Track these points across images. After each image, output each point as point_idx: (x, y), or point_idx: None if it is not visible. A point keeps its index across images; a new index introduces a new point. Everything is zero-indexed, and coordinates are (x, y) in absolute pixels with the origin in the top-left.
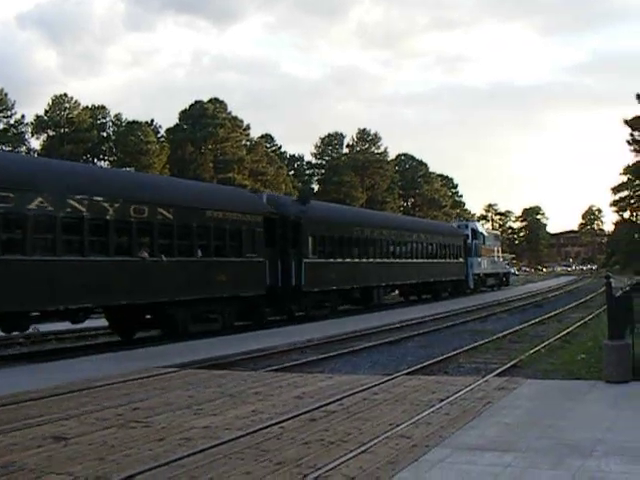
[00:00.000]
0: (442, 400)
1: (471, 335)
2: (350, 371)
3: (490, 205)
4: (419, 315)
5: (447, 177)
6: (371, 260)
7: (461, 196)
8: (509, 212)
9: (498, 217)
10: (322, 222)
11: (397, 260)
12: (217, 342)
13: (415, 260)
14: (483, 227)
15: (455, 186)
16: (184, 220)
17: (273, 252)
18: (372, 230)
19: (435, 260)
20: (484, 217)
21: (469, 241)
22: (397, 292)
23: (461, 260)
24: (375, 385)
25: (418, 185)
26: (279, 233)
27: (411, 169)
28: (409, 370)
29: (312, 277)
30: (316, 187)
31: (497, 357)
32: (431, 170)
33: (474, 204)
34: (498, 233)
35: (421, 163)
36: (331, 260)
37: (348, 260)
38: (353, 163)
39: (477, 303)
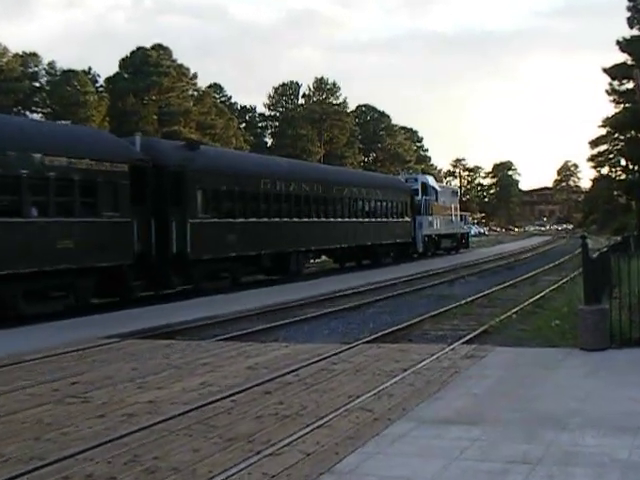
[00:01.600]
0: (405, 370)
1: (437, 300)
2: (305, 340)
3: (458, 160)
4: (347, 286)
5: (411, 130)
6: (286, 220)
7: (426, 150)
8: (478, 168)
9: (467, 173)
10: (217, 173)
11: (323, 220)
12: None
13: (347, 220)
14: (441, 182)
15: (420, 140)
16: (6, 168)
17: (144, 211)
18: (288, 183)
19: (374, 220)
20: (451, 173)
21: (418, 197)
22: (325, 258)
23: (407, 219)
24: (334, 354)
25: (380, 139)
26: (153, 187)
27: (372, 121)
28: (370, 338)
29: (202, 241)
30: (269, 141)
31: (465, 323)
32: (394, 122)
33: (441, 159)
34: (455, 188)
35: (383, 115)
36: (229, 220)
37: (254, 220)
38: (310, 115)
39: (424, 270)
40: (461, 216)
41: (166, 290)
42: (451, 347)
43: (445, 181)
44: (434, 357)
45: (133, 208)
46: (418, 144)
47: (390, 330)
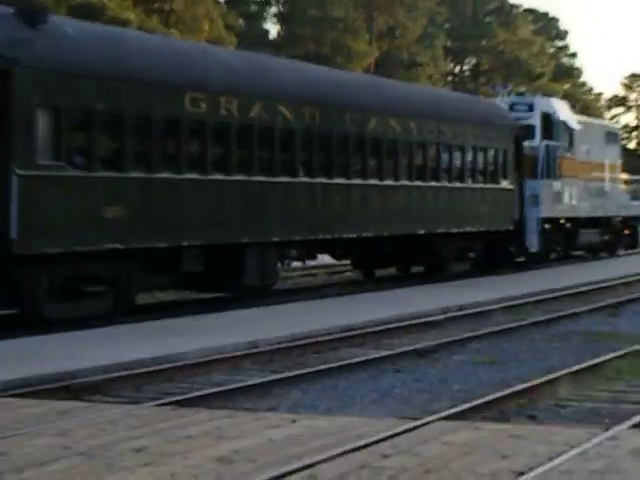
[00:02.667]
0: (521, 475)
1: (584, 344)
2: (329, 410)
3: (635, 76)
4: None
5: (546, 16)
6: (237, 178)
7: (574, 56)
8: None
9: None
10: (83, 75)
11: (319, 181)
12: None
13: (372, 182)
14: (599, 117)
15: (563, 36)
16: None
17: None
18: (240, 103)
19: (432, 184)
20: (621, 101)
21: (533, 143)
22: (327, 258)
23: (507, 186)
24: (384, 439)
25: (486, 30)
26: None
27: None
28: (453, 410)
29: (45, 218)
30: (274, 29)
31: (635, 388)
32: (514, 1)
33: (601, 75)
34: (614, 128)
35: None
36: (111, 175)
37: (165, 176)
38: None
39: (545, 288)
40: (628, 183)
41: None
42: (610, 433)
43: (609, 116)
44: (576, 451)
45: None
46: (559, 43)
47: (492, 397)
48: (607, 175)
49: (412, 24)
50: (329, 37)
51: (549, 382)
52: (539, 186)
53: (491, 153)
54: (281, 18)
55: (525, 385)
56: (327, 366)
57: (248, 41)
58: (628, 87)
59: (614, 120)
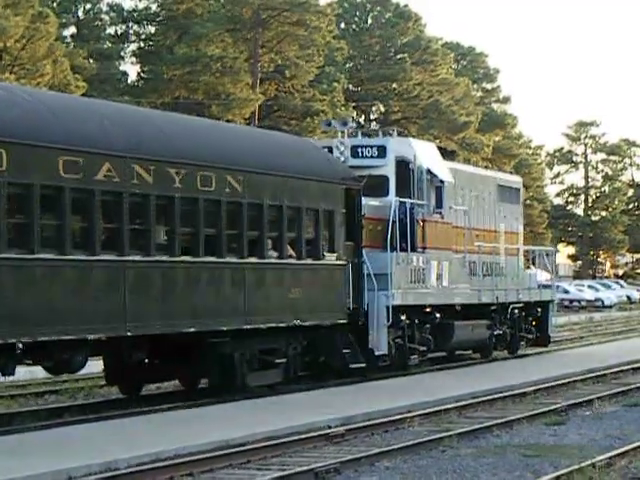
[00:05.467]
0: None
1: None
2: None
3: (582, 125)
4: None
5: (472, 51)
6: None
7: (507, 101)
8: (632, 145)
9: (600, 156)
10: None
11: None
12: None
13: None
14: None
15: (492, 75)
16: None
17: None
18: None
19: (206, 259)
20: (566, 156)
21: (386, 199)
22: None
23: (333, 261)
24: None
25: (397, 69)
26: None
27: (380, 27)
28: None
29: None
30: (133, 69)
31: None
32: (430, 34)
33: (540, 123)
34: (513, 181)
35: (402, 15)
36: None
37: None
38: (230, 11)
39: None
40: (541, 255)
41: None
42: None
43: (551, 174)
44: None
45: None
46: (489, 85)
47: None
48: (502, 246)
49: (305, 63)
50: (203, 80)
51: None
52: (389, 261)
53: (308, 215)
54: (142, 57)
55: None
56: None
57: (101, 86)
58: (574, 139)
59: (558, 179)
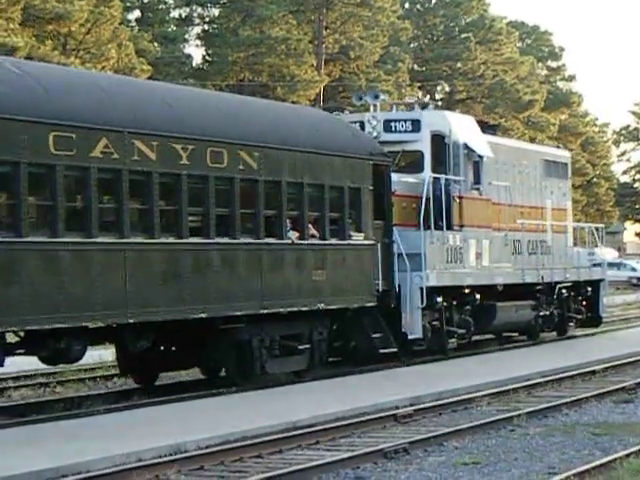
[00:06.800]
0: None
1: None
2: None
3: None
4: None
5: (537, 30)
6: None
7: (571, 79)
8: None
9: None
10: None
11: None
12: None
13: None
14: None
15: (557, 54)
16: None
17: None
18: None
19: (221, 240)
20: (632, 133)
21: (417, 176)
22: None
23: (361, 241)
24: None
25: (461, 48)
26: None
27: (443, 7)
28: None
29: None
30: (198, 52)
31: None
32: (495, 13)
33: (606, 101)
34: (563, 155)
35: None
36: None
37: None
38: None
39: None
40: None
41: None
42: None
43: (617, 152)
44: None
45: None
46: (554, 63)
47: None
48: (548, 223)
49: (370, 44)
50: (267, 62)
51: None
52: (422, 240)
53: (332, 193)
54: (206, 40)
55: None
56: (272, 474)
57: (166, 70)
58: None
59: (625, 157)
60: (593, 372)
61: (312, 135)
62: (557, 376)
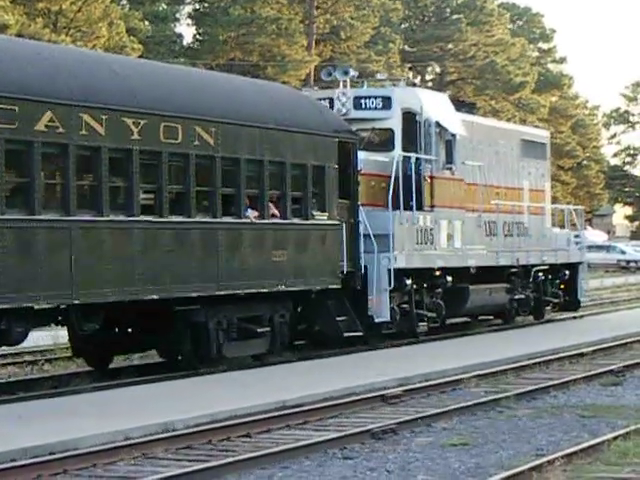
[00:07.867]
0: None
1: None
2: None
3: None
4: None
5: (528, 12)
6: None
7: (563, 60)
8: None
9: None
10: None
11: None
12: None
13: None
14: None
15: (548, 36)
16: None
17: None
18: None
19: (172, 219)
20: (623, 116)
21: (386, 155)
22: None
23: (324, 220)
24: None
25: (452, 30)
26: None
27: None
28: None
29: None
30: (189, 31)
31: None
32: None
33: (597, 83)
34: (540, 134)
35: None
36: None
37: None
38: None
39: None
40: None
41: None
42: None
43: (608, 135)
44: None
45: None
46: (545, 45)
47: None
48: (525, 204)
49: (361, 24)
50: (258, 42)
51: (536, 468)
52: (390, 221)
53: (294, 171)
54: (197, 19)
55: (507, 473)
56: (260, 453)
57: (156, 48)
58: (631, 99)
59: (615, 140)
60: (581, 354)
61: (273, 110)
62: (545, 358)
